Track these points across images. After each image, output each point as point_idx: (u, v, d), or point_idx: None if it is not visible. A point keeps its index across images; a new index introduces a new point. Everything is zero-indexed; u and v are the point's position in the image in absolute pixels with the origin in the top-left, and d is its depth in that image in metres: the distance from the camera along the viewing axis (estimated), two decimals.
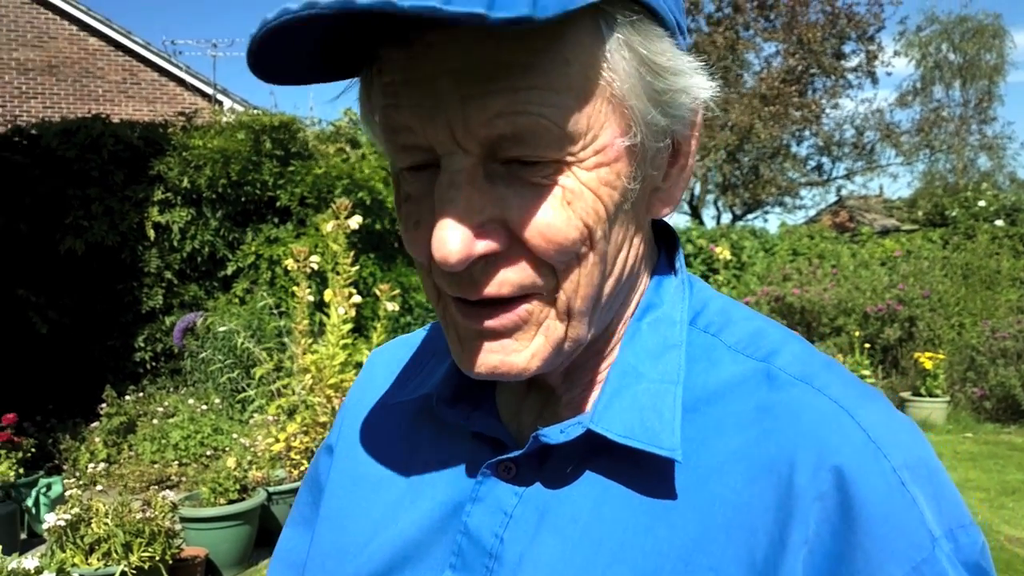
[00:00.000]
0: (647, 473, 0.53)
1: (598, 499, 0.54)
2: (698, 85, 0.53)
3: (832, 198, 21.77)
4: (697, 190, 20.88)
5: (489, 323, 0.51)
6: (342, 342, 5.52)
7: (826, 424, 0.51)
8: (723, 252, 9.96)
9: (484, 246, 0.48)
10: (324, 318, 5.83)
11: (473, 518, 0.57)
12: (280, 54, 0.45)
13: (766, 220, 23.38)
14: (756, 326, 0.59)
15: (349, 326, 5.50)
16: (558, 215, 0.48)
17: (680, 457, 0.51)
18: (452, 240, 0.47)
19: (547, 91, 0.46)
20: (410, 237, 0.52)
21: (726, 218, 21.00)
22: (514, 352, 0.52)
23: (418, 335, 0.77)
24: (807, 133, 19.98)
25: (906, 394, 7.92)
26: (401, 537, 0.61)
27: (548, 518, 0.55)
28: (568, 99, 0.47)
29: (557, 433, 0.54)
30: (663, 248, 0.63)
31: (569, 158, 0.48)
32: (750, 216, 21.06)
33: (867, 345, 8.47)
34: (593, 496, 0.54)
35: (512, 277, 0.50)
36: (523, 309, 0.51)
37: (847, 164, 20.96)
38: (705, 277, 10.06)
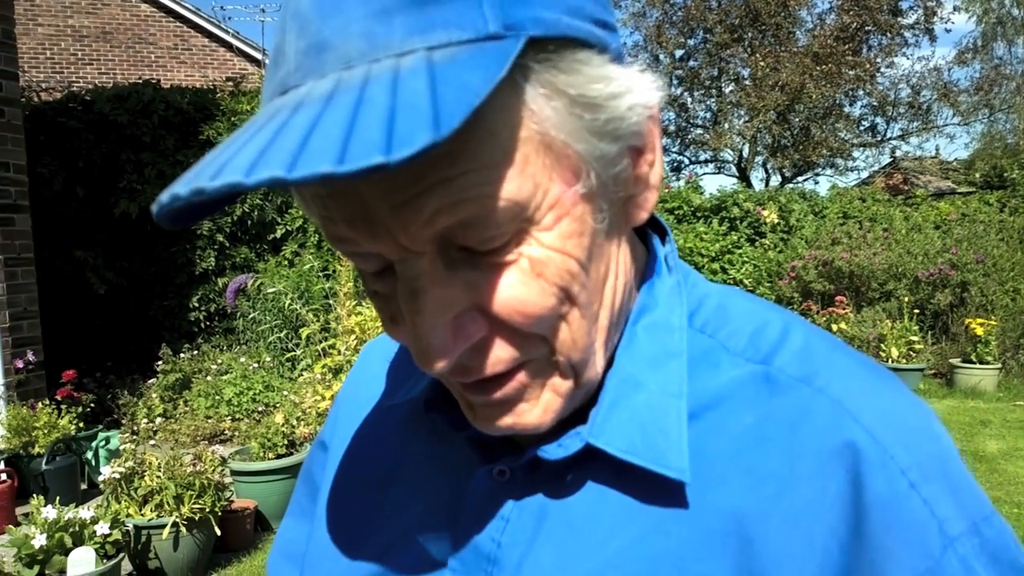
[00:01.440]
0: (645, 483, 0.52)
1: (595, 506, 0.53)
2: (644, 96, 0.47)
3: (886, 159, 21.22)
4: (745, 152, 20.48)
5: (493, 396, 0.50)
6: None
7: (827, 431, 0.49)
8: (771, 215, 9.79)
9: (465, 340, 0.46)
10: None
11: (469, 522, 0.57)
12: (192, 209, 0.41)
13: (816, 182, 22.81)
14: (756, 323, 0.56)
15: None
16: (530, 289, 0.45)
17: (688, 478, 0.50)
18: (431, 350, 0.45)
19: (481, 170, 0.41)
20: (389, 331, 0.50)
21: (775, 181, 20.60)
22: (525, 413, 0.51)
23: None
24: (861, 92, 19.39)
25: (956, 361, 7.77)
26: (395, 538, 0.61)
27: (546, 524, 0.54)
28: (505, 170, 0.42)
29: (555, 448, 0.53)
30: (652, 239, 0.60)
31: (525, 225, 0.44)
32: (800, 179, 20.61)
33: (917, 311, 8.30)
34: (590, 503, 0.54)
35: (503, 355, 0.48)
36: (523, 375, 0.49)
37: (902, 124, 20.32)
38: (751, 241, 9.92)
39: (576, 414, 0.54)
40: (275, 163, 0.34)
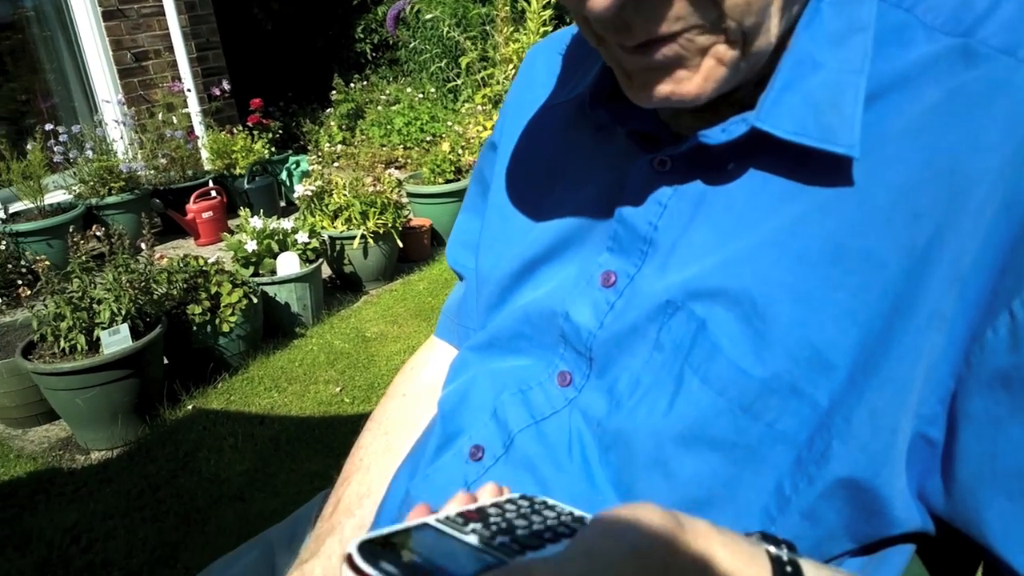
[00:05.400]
0: (813, 166, 0.50)
1: (756, 191, 0.52)
2: None
3: None
4: None
5: (654, 57, 0.47)
6: (542, 30, 5.50)
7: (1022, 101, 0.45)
8: None
9: None
10: (524, 5, 5.78)
11: (627, 207, 0.57)
12: None
13: None
14: None
15: (549, 12, 5.43)
16: None
17: (857, 153, 0.47)
18: None
19: None
20: None
21: None
22: (685, 80, 0.48)
23: (573, 31, 0.73)
24: None
25: None
26: (561, 224, 0.64)
27: (703, 209, 0.54)
28: None
29: (718, 133, 0.51)
30: None
31: None
32: None
33: None
34: (751, 189, 0.52)
35: (667, 13, 0.45)
36: (686, 38, 0.46)
37: None
38: None
39: (744, 105, 0.52)
40: None
